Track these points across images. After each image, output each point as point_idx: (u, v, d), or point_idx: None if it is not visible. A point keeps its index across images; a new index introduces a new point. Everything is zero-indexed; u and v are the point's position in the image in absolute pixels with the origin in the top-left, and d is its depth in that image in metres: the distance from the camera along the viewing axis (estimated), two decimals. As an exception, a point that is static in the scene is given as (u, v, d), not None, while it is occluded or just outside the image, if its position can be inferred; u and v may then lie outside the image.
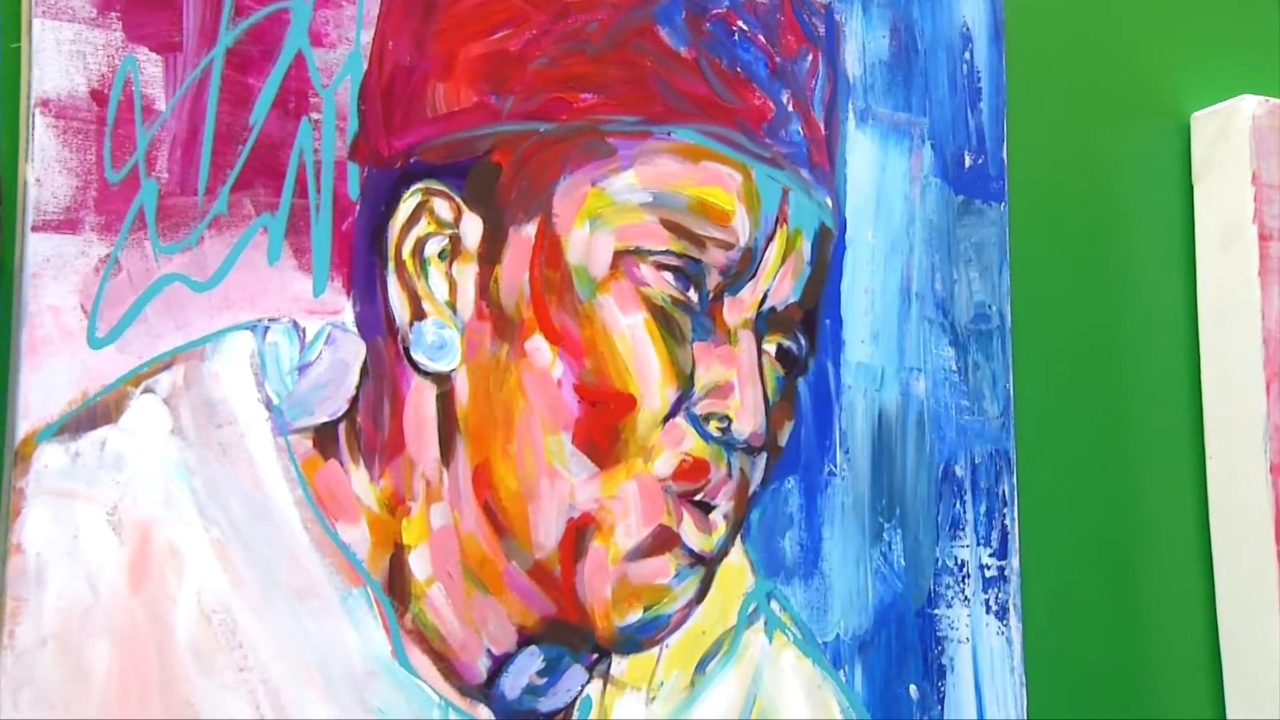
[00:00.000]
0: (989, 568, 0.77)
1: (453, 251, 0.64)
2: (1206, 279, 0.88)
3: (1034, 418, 0.81)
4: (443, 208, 0.64)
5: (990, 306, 0.79)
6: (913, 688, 0.73)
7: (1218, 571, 0.86)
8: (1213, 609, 0.85)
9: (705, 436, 0.66)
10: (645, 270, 0.65)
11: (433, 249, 0.64)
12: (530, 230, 0.65)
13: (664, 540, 0.65)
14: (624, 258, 0.65)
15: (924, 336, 0.77)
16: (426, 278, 0.64)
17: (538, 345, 0.64)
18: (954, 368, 0.78)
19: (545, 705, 0.65)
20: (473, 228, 0.65)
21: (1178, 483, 0.87)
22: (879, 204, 0.76)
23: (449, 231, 0.64)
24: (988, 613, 0.76)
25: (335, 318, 0.63)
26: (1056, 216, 0.85)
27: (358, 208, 0.64)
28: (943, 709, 0.74)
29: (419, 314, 0.64)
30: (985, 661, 0.76)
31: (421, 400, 0.64)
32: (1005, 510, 0.78)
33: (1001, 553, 0.77)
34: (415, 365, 0.63)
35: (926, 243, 0.78)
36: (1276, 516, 0.84)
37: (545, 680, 0.65)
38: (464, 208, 0.64)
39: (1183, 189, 0.90)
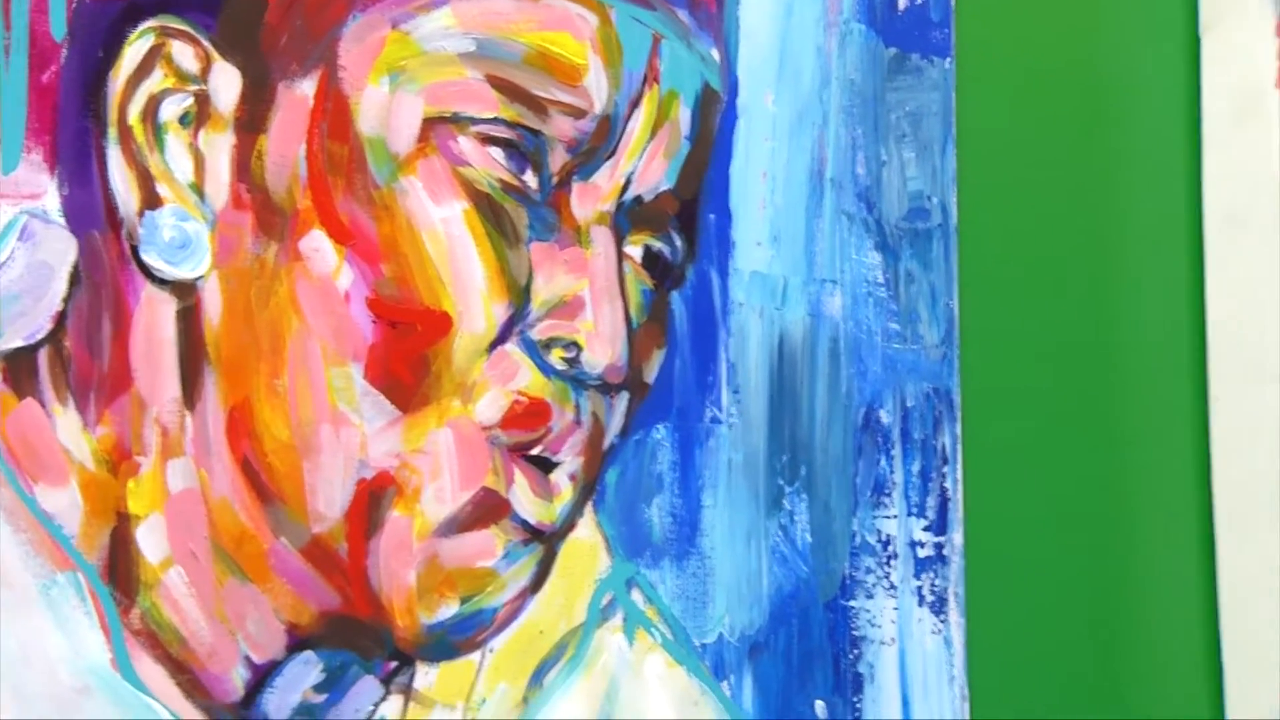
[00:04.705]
0: (923, 545, 0.82)
1: (199, 115, 0.66)
2: (1214, 162, 0.94)
3: (985, 347, 0.87)
4: (185, 55, 0.66)
5: (930, 198, 0.84)
6: (819, 704, 0.78)
7: (1220, 552, 0.92)
8: (1213, 600, 0.92)
9: (545, 370, 0.69)
10: (465, 144, 0.68)
11: (171, 111, 0.66)
12: (307, 88, 0.67)
13: (489, 509, 0.69)
14: (437, 127, 0.68)
15: (841, 238, 0.81)
16: (162, 150, 0.66)
17: (318, 245, 0.66)
18: (880, 279, 0.82)
19: (325, 730, 0.68)
20: (227, 83, 0.67)
21: (1172, 435, 0.94)
22: (783, 59, 0.80)
23: (194, 88, 0.66)
24: (920, 605, 0.82)
25: (33, 204, 0.64)
26: (1018, 77, 0.91)
27: (64, 52, 0.65)
28: (858, 731, 0.79)
29: (152, 200, 0.66)
30: (916, 668, 0.81)
31: (155, 318, 0.66)
32: (945, 470, 0.83)
33: (940, 526, 0.83)
34: (147, 270, 0.66)
35: (846, 112, 0.82)
36: (1298, 481, 0.92)
37: (325, 696, 0.68)
38: (214, 55, 0.67)
39: (1186, 41, 0.96)
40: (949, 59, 0.85)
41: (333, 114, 0.67)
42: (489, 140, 0.68)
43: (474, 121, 0.68)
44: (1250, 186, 0.94)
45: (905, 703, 0.81)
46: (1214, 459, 0.93)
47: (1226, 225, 0.94)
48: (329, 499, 0.66)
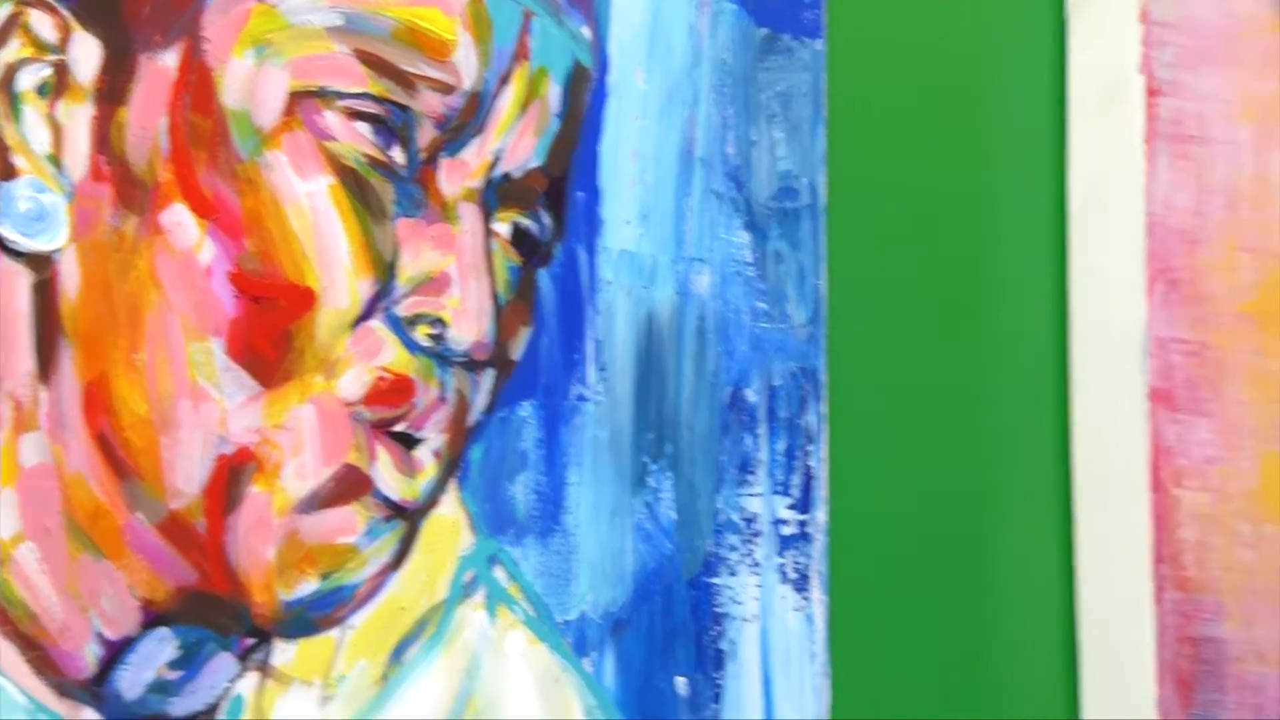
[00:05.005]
0: (787, 523, 0.84)
1: (58, 86, 0.67)
2: (1080, 147, 0.98)
3: (852, 327, 0.89)
4: (43, 24, 0.67)
5: (799, 178, 0.86)
6: (681, 680, 0.80)
7: (1079, 530, 0.96)
8: (1071, 576, 0.96)
9: (411, 346, 0.70)
10: (332, 119, 0.69)
11: (28, 81, 0.67)
12: (170, 60, 0.68)
13: (351, 485, 0.70)
14: (303, 102, 0.69)
15: (710, 217, 0.83)
16: (19, 121, 0.66)
17: (179, 218, 0.67)
18: (749, 259, 0.84)
19: (179, 707, 0.69)
20: (87, 54, 0.67)
21: (1034, 414, 0.97)
22: (654, 37, 0.82)
23: (52, 58, 0.67)
24: (783, 582, 0.84)
25: (-117, 173, 0.64)
26: (889, 59, 0.93)
27: (-86, 18, 0.65)
28: (719, 707, 0.81)
29: (7, 172, 0.66)
30: (778, 645, 0.83)
31: (10, 291, 0.66)
32: (810, 449, 0.85)
33: (804, 504, 0.85)
34: (1, 243, 0.66)
35: (717, 91, 0.84)
36: (1153, 457, 0.96)
37: (180, 674, 0.69)
38: (74, 25, 0.67)
39: (1053, 25, 0.99)
40: (820, 40, 0.87)
41: (196, 86, 0.68)
42: (356, 115, 0.69)
43: (341, 96, 0.69)
44: (1113, 170, 0.97)
45: (766, 679, 0.83)
46: (1074, 440, 0.97)
47: (1090, 207, 0.98)
48: (187, 475, 0.67)
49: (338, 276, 0.69)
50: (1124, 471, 0.96)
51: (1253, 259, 0.99)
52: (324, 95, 0.69)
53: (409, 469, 0.72)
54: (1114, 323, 0.97)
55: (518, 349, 0.77)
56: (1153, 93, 0.98)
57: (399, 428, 0.71)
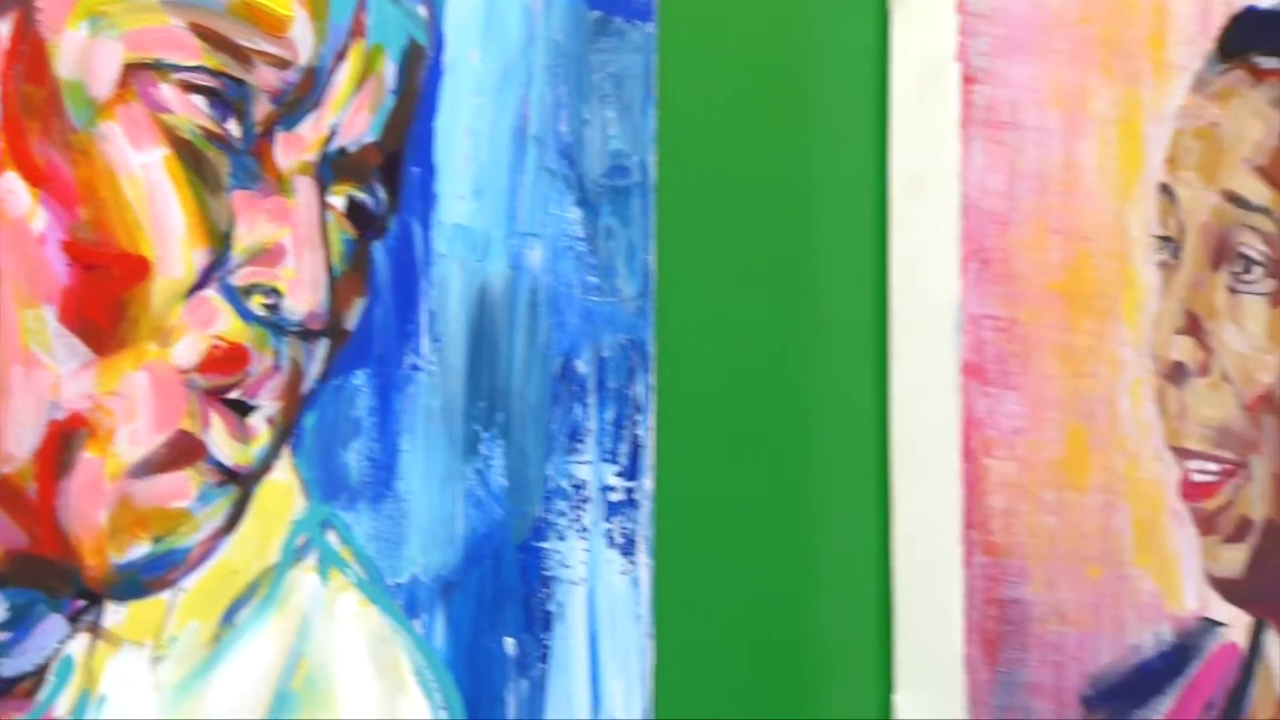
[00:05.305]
0: (614, 490, 0.86)
1: None
2: (901, 132, 1.01)
3: (680, 300, 0.91)
4: None
5: (630, 157, 0.88)
6: (509, 641, 0.82)
7: (895, 497, 0.99)
8: (887, 541, 0.99)
9: (245, 315, 0.71)
10: (167, 91, 0.69)
11: None
12: (2, 30, 0.67)
13: (184, 450, 0.70)
14: (138, 74, 0.69)
15: (543, 193, 0.84)
16: None
17: (12, 187, 0.67)
18: (580, 234, 0.86)
19: (7, 668, 0.69)
20: (-83, 22, 0.67)
21: (854, 386, 1.00)
22: (489, 17, 0.82)
23: None
24: (610, 546, 0.86)
25: None
26: (718, 43, 0.95)
27: None
28: (546, 667, 0.83)
29: None
30: (605, 608, 0.85)
31: None
32: (638, 418, 0.87)
33: (631, 472, 0.87)
34: None
35: (550, 71, 0.85)
36: (965, 428, 0.99)
37: (9, 635, 0.69)
38: (-97, -8, 0.67)
39: (876, 15, 1.01)
40: (651, 23, 0.89)
41: (29, 56, 0.67)
42: (191, 88, 0.70)
43: (176, 69, 0.69)
44: (931, 153, 1.00)
45: (593, 639, 0.85)
46: (892, 411, 1.00)
47: (908, 189, 1.00)
48: (18, 439, 0.67)
49: (172, 246, 0.69)
50: (937, 441, 0.99)
51: (1061, 240, 1.02)
52: (159, 68, 0.69)
53: (242, 435, 0.72)
54: (930, 299, 1.00)
55: (352, 319, 0.78)
56: (968, 80, 1.01)
57: (233, 395, 0.72)
